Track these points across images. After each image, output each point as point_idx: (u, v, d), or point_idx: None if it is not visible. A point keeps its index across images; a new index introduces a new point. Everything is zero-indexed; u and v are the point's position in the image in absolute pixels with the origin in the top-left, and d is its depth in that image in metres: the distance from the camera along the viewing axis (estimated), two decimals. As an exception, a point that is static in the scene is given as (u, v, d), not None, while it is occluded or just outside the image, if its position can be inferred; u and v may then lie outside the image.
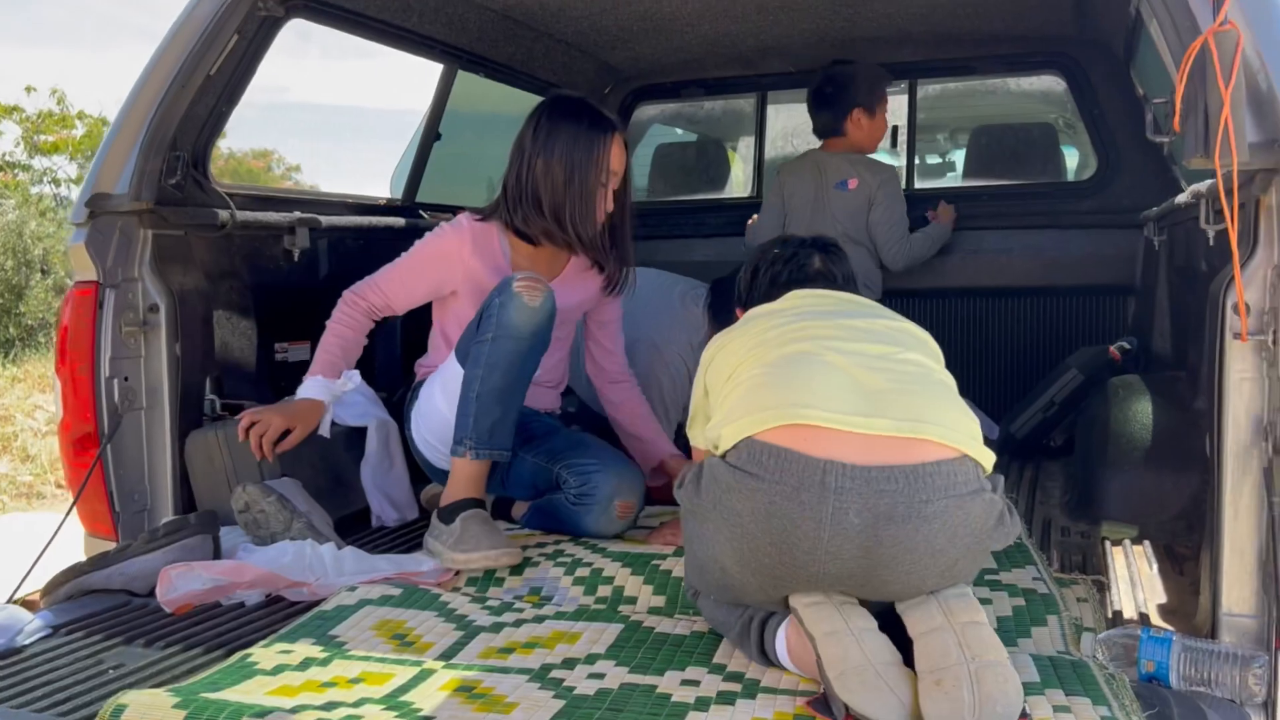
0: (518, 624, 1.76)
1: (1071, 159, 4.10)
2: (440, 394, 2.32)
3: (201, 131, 2.37)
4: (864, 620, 1.45)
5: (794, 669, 1.53)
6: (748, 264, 2.10)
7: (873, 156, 3.47)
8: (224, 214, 2.39)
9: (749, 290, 2.04)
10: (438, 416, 2.32)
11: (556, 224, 2.35)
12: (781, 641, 1.53)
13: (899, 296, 3.60)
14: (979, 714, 1.31)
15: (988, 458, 1.50)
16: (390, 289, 2.40)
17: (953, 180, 4.34)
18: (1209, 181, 1.77)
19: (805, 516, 1.41)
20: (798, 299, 1.83)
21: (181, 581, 1.92)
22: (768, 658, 1.55)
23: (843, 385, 1.51)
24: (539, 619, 1.78)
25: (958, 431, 1.48)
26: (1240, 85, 1.49)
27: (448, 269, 2.39)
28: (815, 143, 3.85)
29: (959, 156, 4.46)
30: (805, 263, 1.98)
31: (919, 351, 1.62)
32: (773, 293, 1.93)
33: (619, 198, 2.40)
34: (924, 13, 3.19)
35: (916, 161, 4.00)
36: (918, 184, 3.93)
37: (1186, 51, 1.53)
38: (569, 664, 1.57)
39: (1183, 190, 2.47)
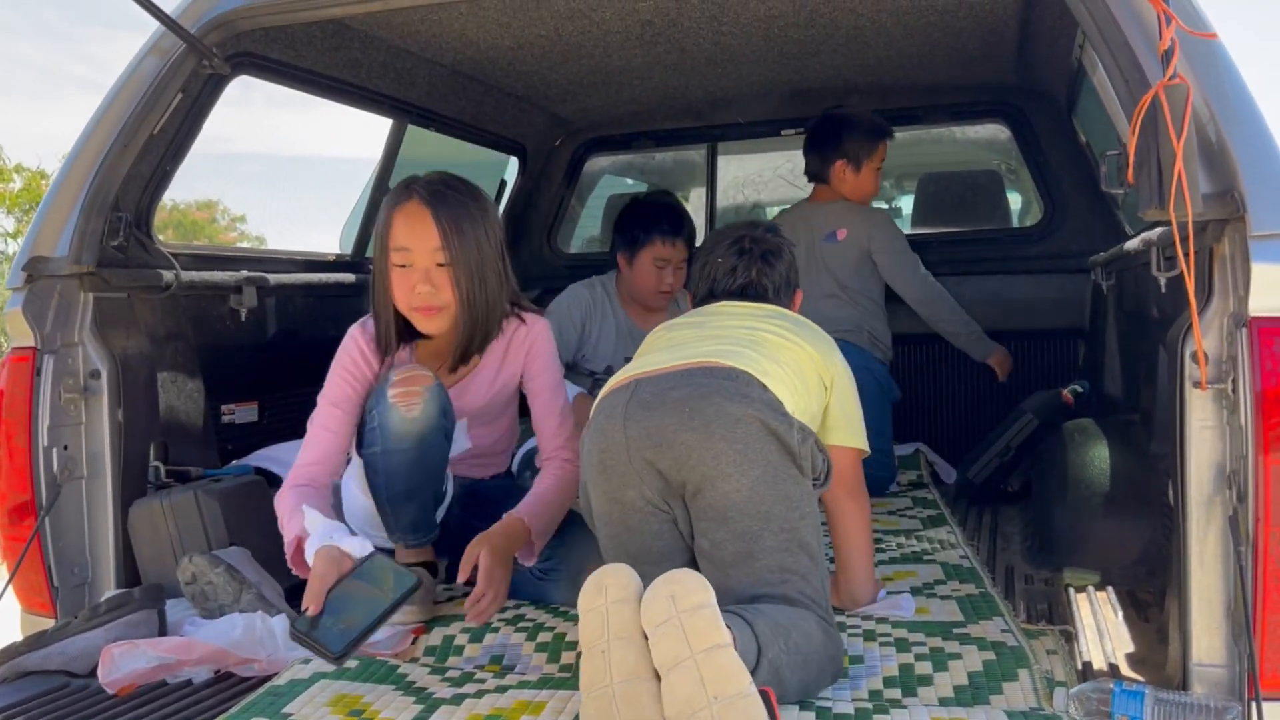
0: (479, 694, 1.69)
1: (1016, 204, 4.17)
2: (355, 486, 2.13)
3: (145, 191, 2.31)
4: (623, 629, 1.42)
5: None
6: (699, 254, 2.22)
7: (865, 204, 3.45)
8: (168, 275, 2.33)
9: (696, 285, 2.21)
10: (356, 505, 2.14)
11: (374, 317, 2.09)
12: None
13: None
14: None
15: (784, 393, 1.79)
16: (338, 429, 2.08)
17: (902, 227, 4.38)
18: (1159, 230, 1.79)
19: (613, 406, 1.77)
20: (720, 308, 2.07)
21: (125, 660, 1.84)
22: None
23: (672, 346, 1.90)
24: (501, 689, 1.72)
25: (742, 359, 1.79)
26: (1192, 138, 1.51)
27: (362, 379, 2.10)
28: (766, 193, 3.88)
29: (906, 203, 4.51)
30: (743, 275, 2.13)
31: (758, 345, 1.88)
32: (709, 298, 2.14)
33: (460, 266, 1.99)
34: (870, 65, 3.23)
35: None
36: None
37: (1138, 105, 1.55)
38: (545, 681, 1.51)
39: (1128, 234, 2.51)
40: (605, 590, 1.45)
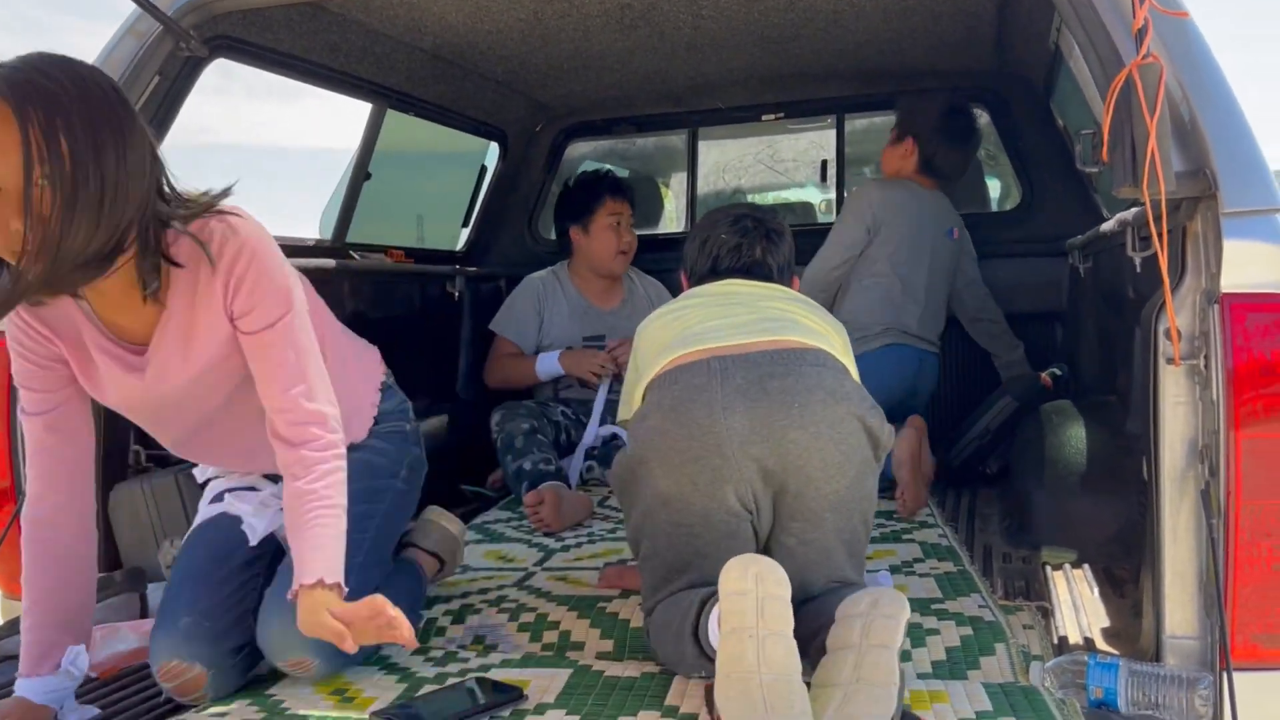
0: (462, 674, 1.70)
1: (995, 189, 4.19)
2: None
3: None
4: (776, 623, 1.43)
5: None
6: (695, 234, 2.16)
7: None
8: (147, 259, 2.32)
9: (694, 263, 2.13)
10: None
11: None
12: (714, 621, 1.51)
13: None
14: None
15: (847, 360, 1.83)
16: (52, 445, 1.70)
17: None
18: (1134, 209, 1.81)
19: (699, 388, 1.69)
20: (732, 287, 1.99)
21: (107, 643, 1.84)
22: (703, 650, 1.53)
23: (739, 320, 1.82)
24: (484, 668, 1.73)
25: (814, 336, 1.79)
26: (1165, 116, 1.52)
27: (42, 354, 1.67)
28: (747, 179, 3.90)
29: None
30: (748, 253, 2.07)
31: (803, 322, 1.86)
32: (712, 276, 2.06)
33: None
34: (850, 49, 3.24)
35: (845, 195, 4.05)
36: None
37: (1111, 84, 1.57)
38: (518, 716, 1.52)
39: (1104, 218, 2.53)
40: (759, 579, 1.45)
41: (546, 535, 2.65)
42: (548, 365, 3.29)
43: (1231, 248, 1.54)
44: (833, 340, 1.84)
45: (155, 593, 2.10)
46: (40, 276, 1.36)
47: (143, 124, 1.45)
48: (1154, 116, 1.50)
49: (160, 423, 1.76)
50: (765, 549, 1.75)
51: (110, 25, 2.26)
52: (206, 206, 1.55)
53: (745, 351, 1.72)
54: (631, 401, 1.92)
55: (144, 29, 2.19)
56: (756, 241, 2.07)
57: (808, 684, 1.42)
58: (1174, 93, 1.57)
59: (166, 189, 1.52)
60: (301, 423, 1.60)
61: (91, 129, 1.36)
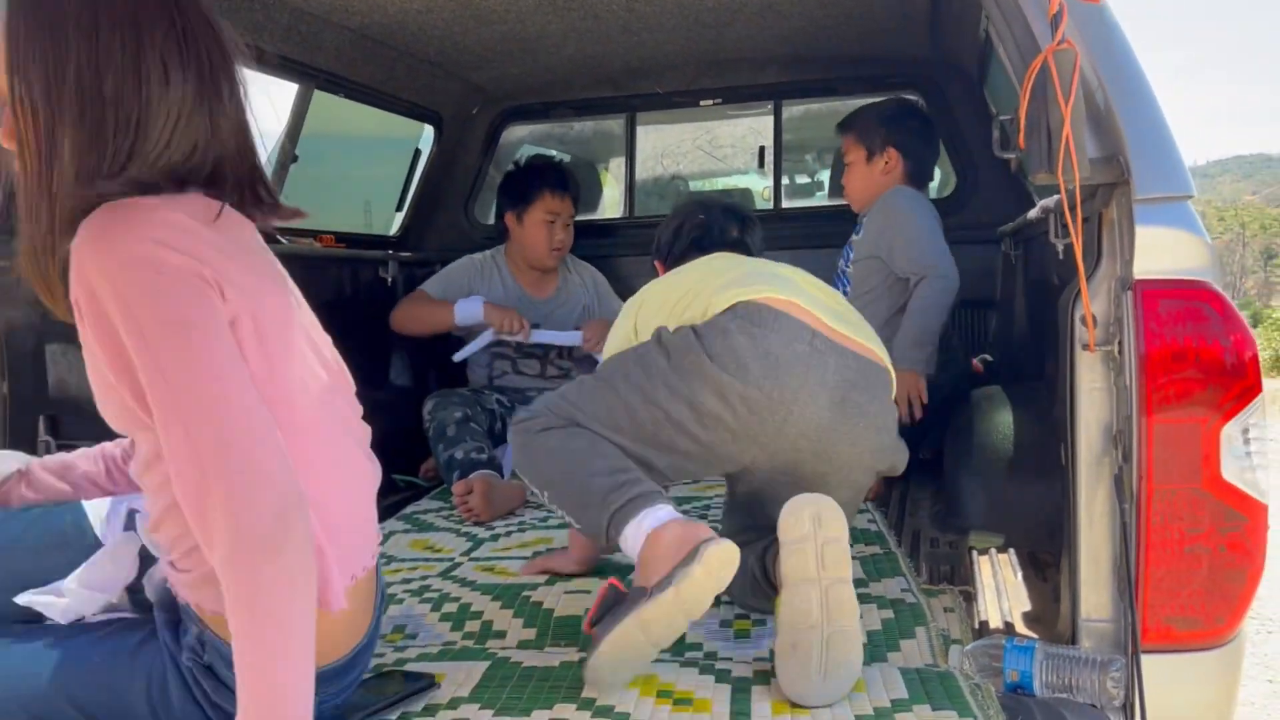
0: (375, 669, 1.67)
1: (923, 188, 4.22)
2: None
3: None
4: (838, 569, 1.49)
5: (631, 558, 1.55)
6: (669, 221, 2.17)
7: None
8: (58, 242, 2.24)
9: (670, 247, 2.14)
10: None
11: None
12: (640, 534, 1.51)
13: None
14: (825, 678, 1.45)
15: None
16: None
17: (820, 200, 4.41)
18: (1055, 197, 1.82)
19: (796, 361, 1.67)
20: (722, 259, 1.98)
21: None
22: (610, 535, 1.57)
23: (808, 291, 1.80)
24: (400, 662, 1.70)
25: (883, 350, 1.83)
26: (1080, 103, 1.52)
27: None
28: (686, 165, 3.86)
29: (825, 177, 4.54)
30: (725, 230, 2.11)
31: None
32: (690, 254, 2.07)
33: None
34: (785, 34, 3.23)
35: (785, 181, 4.05)
36: (785, 203, 3.98)
37: (1028, 70, 1.57)
38: (430, 711, 1.50)
39: (1035, 205, 2.54)
40: (818, 522, 1.49)
41: (476, 525, 2.62)
42: (469, 308, 3.22)
43: (1144, 234, 1.55)
44: (882, 348, 1.88)
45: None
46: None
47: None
48: (1068, 103, 1.50)
49: None
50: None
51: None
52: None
53: (841, 344, 1.74)
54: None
55: (51, 4, 2.11)
56: (731, 223, 2.10)
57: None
58: (1089, 80, 1.58)
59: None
60: None
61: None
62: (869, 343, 1.81)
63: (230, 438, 1.12)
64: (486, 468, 2.84)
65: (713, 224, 2.11)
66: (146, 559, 1.42)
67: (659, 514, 1.53)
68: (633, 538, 1.53)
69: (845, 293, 2.88)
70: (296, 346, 1.30)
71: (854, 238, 2.98)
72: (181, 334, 1.14)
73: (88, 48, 1.14)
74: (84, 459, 1.63)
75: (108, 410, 1.25)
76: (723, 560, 1.45)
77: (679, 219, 2.17)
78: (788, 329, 1.69)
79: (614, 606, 1.48)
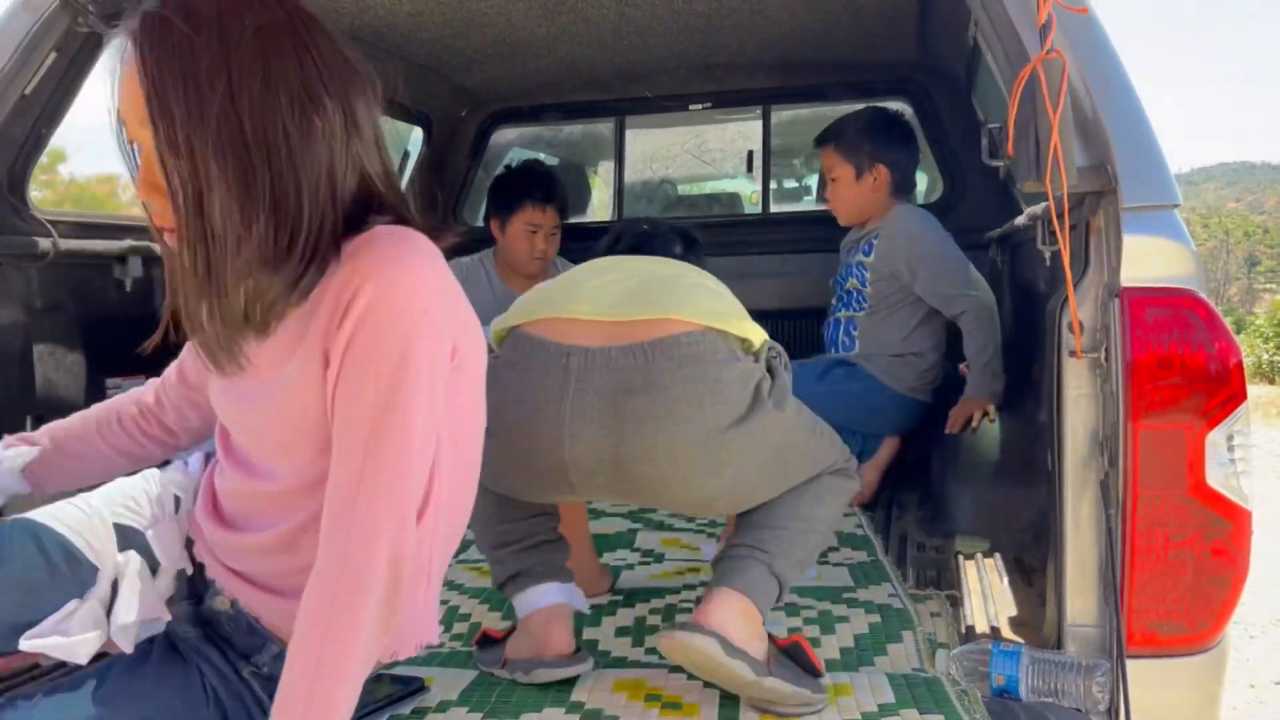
0: (366, 670, 1.67)
1: (921, 182, 4.24)
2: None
3: (19, 155, 2.21)
4: (731, 684, 1.47)
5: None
6: (612, 230, 2.08)
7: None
8: (45, 243, 2.23)
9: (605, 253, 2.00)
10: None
11: None
12: (521, 608, 1.64)
13: (756, 317, 3.64)
14: None
15: (749, 331, 1.57)
16: None
17: (808, 204, 4.42)
18: (1043, 204, 1.83)
19: (549, 400, 1.50)
20: (594, 264, 1.81)
21: None
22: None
23: (602, 289, 1.62)
24: (390, 665, 1.69)
25: (700, 310, 1.54)
26: (1068, 111, 1.54)
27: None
28: (674, 169, 3.86)
29: (813, 182, 4.55)
30: (669, 245, 1.95)
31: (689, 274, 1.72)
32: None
33: None
34: (775, 40, 3.24)
35: (773, 186, 4.06)
36: (773, 208, 3.99)
37: (1017, 78, 1.58)
38: (419, 714, 1.50)
39: (1023, 212, 2.56)
40: (693, 663, 1.47)
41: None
42: None
43: (1131, 242, 1.56)
44: (724, 301, 1.66)
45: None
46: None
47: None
48: (1057, 111, 1.51)
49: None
50: None
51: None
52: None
53: (609, 344, 1.51)
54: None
55: (40, 3, 2.10)
56: (675, 241, 1.99)
57: None
58: (1077, 88, 1.59)
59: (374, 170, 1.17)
60: None
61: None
62: (671, 310, 1.54)
63: (410, 470, 1.12)
64: None
65: (656, 236, 1.96)
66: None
67: (538, 596, 1.64)
68: (520, 605, 1.66)
69: (861, 308, 2.86)
70: (481, 378, 1.29)
71: (863, 259, 2.90)
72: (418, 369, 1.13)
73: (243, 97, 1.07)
74: (101, 428, 1.52)
75: (291, 438, 1.20)
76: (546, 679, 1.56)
77: (621, 228, 2.05)
78: (540, 358, 1.54)
79: (490, 646, 1.68)
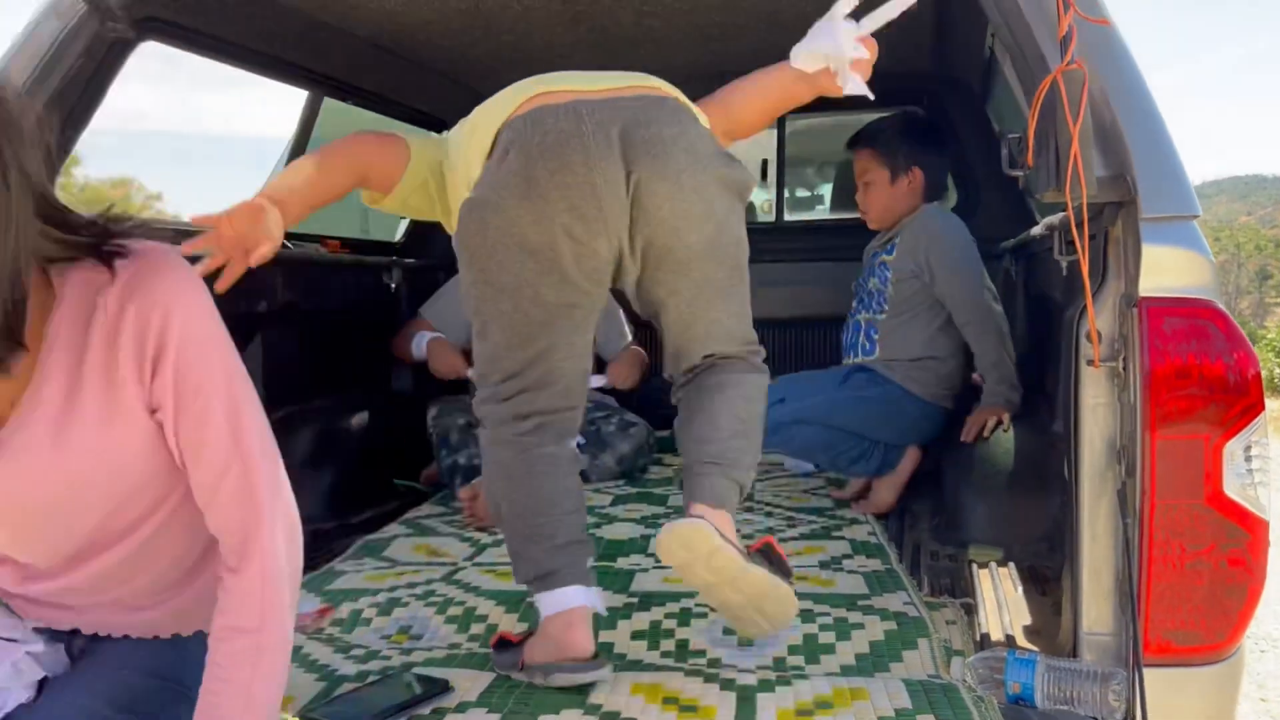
0: (383, 672, 1.68)
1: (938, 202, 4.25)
2: None
3: (45, 159, 2.23)
4: (728, 571, 1.60)
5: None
6: None
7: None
8: (69, 244, 2.25)
9: None
10: None
11: None
12: (546, 608, 1.67)
13: (769, 325, 3.66)
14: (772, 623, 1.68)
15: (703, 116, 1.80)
16: None
17: (821, 213, 4.43)
18: (1061, 214, 1.84)
19: (570, 134, 1.60)
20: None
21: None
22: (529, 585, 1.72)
23: (587, 77, 1.75)
24: (407, 667, 1.71)
25: (666, 84, 1.79)
26: (1088, 122, 1.55)
27: None
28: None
29: (827, 191, 4.57)
30: None
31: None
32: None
33: None
34: (790, 49, 3.25)
35: (786, 195, 4.08)
36: (787, 216, 4.00)
37: (1038, 89, 1.59)
38: (439, 714, 1.51)
39: (1037, 222, 2.57)
40: (689, 546, 1.58)
41: (479, 530, 2.64)
42: (418, 344, 3.27)
43: (1150, 252, 1.57)
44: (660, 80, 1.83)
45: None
46: None
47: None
48: (1077, 122, 1.52)
49: (19, 540, 1.22)
50: (641, 300, 1.79)
51: (33, 3, 2.20)
52: (102, 236, 1.15)
53: (611, 96, 1.67)
54: (459, 165, 1.77)
55: (68, 8, 2.13)
56: None
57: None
58: (1097, 99, 1.60)
59: (52, 207, 1.12)
60: None
61: None
62: (651, 82, 1.78)
63: (280, 476, 1.21)
64: None
65: None
66: None
67: (564, 598, 1.66)
68: (542, 605, 1.69)
69: (882, 309, 2.86)
70: None
71: (885, 257, 2.89)
72: (243, 381, 1.19)
73: None
74: None
75: (120, 503, 1.20)
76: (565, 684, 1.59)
77: None
78: (554, 117, 1.62)
79: (507, 649, 1.71)
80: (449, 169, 1.82)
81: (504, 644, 1.72)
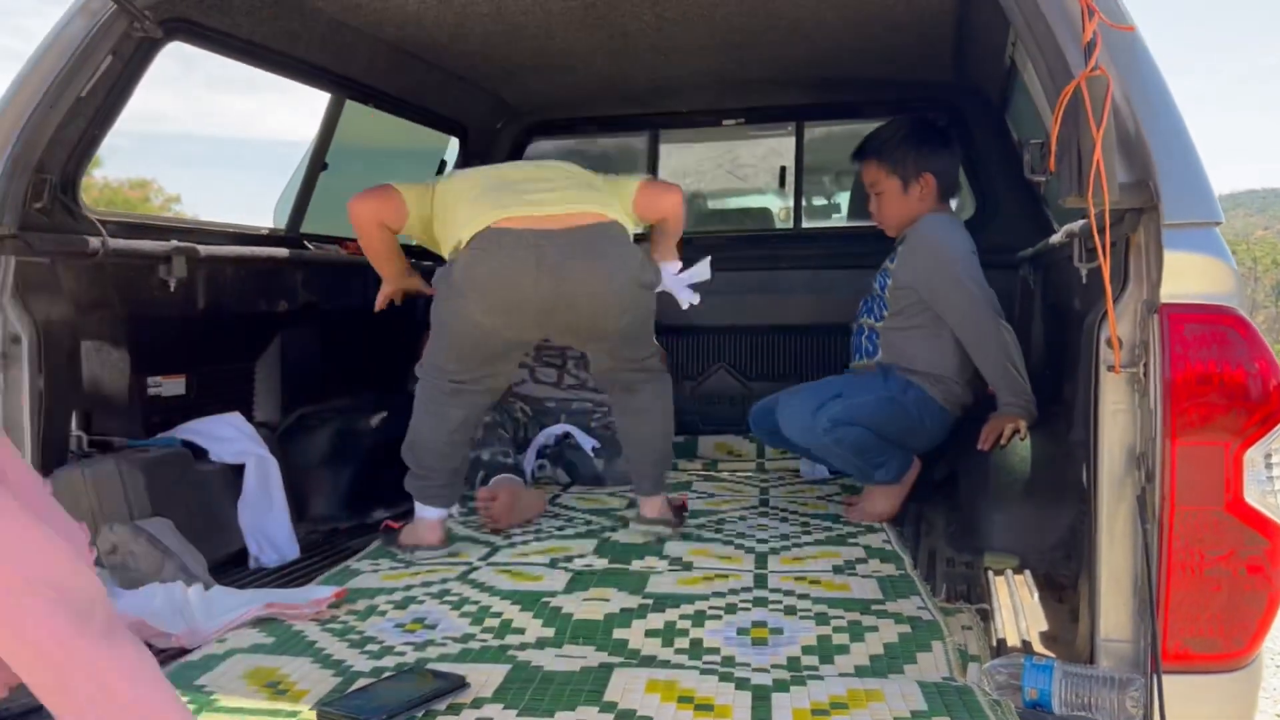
0: (398, 668, 1.69)
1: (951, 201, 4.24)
2: None
3: (71, 155, 2.26)
4: None
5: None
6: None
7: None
8: (95, 242, 2.28)
9: None
10: None
11: None
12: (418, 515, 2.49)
13: (786, 332, 3.67)
14: None
15: (630, 220, 2.47)
16: None
17: (838, 221, 4.43)
18: (1081, 221, 1.84)
19: (524, 266, 2.25)
20: (488, 172, 2.54)
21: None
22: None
23: (540, 195, 2.35)
24: (422, 663, 1.71)
25: (607, 206, 2.38)
26: (1111, 128, 1.55)
27: None
28: (707, 183, 3.87)
29: (844, 199, 4.57)
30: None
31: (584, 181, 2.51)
32: None
33: None
34: (811, 57, 3.26)
35: (804, 203, 4.08)
36: (805, 224, 4.01)
37: (1061, 95, 1.59)
38: (454, 709, 1.52)
39: (1055, 231, 2.57)
40: None
41: (494, 532, 2.64)
42: None
43: (1172, 259, 1.56)
44: (612, 203, 2.43)
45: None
46: None
47: None
48: (1100, 128, 1.53)
49: None
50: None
51: (64, 5, 2.22)
52: None
53: (558, 228, 2.26)
54: (442, 235, 2.45)
55: (97, 8, 2.15)
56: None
57: None
58: (1120, 106, 1.60)
59: None
60: None
61: None
62: (592, 206, 2.34)
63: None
64: (511, 472, 2.86)
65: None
66: None
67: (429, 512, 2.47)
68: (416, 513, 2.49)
69: (880, 316, 2.86)
70: None
71: (888, 264, 2.89)
72: None
73: None
74: None
75: None
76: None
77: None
78: (511, 242, 2.25)
79: (388, 534, 2.53)
80: (437, 219, 2.47)
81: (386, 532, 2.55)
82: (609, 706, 1.52)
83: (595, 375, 2.62)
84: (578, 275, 2.26)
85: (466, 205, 2.35)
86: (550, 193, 2.35)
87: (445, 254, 2.42)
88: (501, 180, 2.42)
